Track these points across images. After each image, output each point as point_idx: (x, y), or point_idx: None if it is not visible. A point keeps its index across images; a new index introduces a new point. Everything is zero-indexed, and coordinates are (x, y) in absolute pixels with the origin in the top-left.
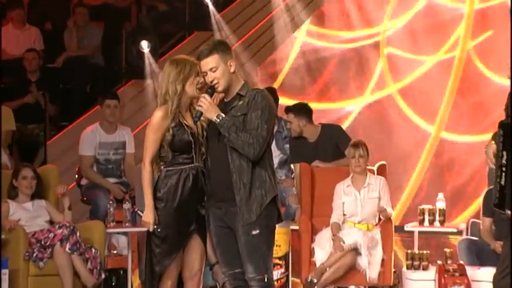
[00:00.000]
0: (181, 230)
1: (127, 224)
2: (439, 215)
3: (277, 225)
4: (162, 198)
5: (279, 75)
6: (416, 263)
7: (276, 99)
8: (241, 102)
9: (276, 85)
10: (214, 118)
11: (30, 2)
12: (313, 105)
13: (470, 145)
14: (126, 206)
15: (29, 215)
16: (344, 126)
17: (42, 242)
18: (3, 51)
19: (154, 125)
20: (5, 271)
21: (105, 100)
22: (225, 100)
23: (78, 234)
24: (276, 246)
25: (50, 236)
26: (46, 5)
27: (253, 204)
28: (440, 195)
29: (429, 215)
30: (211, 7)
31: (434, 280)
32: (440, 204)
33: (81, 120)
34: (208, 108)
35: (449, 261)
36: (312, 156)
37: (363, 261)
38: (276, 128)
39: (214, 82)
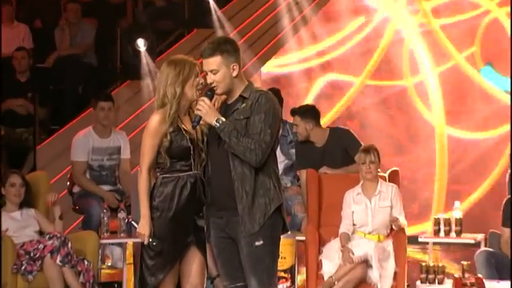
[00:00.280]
0: (177, 242)
1: (122, 235)
2: (456, 225)
3: (282, 236)
4: (158, 207)
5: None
6: (431, 276)
7: (281, 101)
8: (244, 104)
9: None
10: (213, 122)
11: None
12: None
13: None
14: (121, 215)
15: (17, 224)
16: None
17: (31, 254)
18: None
19: (152, 130)
20: None
21: (99, 102)
22: (227, 102)
23: (69, 245)
24: (281, 258)
25: (39, 247)
26: (35, 1)
27: (257, 213)
28: (457, 204)
29: (445, 225)
30: (212, 3)
31: None
32: (457, 213)
33: (73, 123)
34: (208, 111)
35: (466, 275)
36: (319, 162)
37: (374, 274)
38: (280, 131)
39: (213, 85)
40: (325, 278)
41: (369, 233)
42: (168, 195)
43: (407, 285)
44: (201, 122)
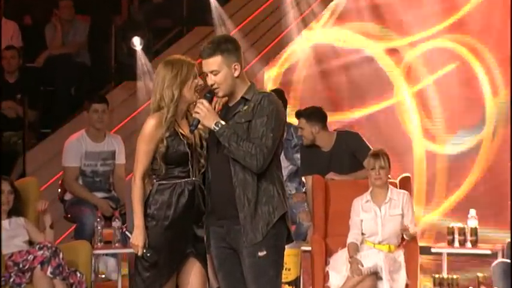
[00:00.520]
0: (174, 252)
1: (116, 245)
2: (471, 235)
3: (286, 246)
4: (153, 215)
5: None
6: None
7: (285, 103)
8: (246, 107)
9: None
10: (212, 126)
11: None
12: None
13: None
14: (116, 224)
15: (5, 234)
16: None
17: (21, 265)
18: None
19: (147, 135)
20: None
21: (92, 104)
22: (229, 105)
23: (61, 256)
24: (285, 269)
25: (29, 258)
26: None
27: (259, 222)
28: (472, 212)
29: (459, 235)
30: None
31: None
32: (472, 222)
33: (65, 127)
34: (206, 115)
35: (482, 287)
36: (326, 168)
37: (384, 286)
38: (284, 135)
39: (214, 86)
40: None
41: (379, 243)
42: (164, 203)
43: None
44: (200, 126)
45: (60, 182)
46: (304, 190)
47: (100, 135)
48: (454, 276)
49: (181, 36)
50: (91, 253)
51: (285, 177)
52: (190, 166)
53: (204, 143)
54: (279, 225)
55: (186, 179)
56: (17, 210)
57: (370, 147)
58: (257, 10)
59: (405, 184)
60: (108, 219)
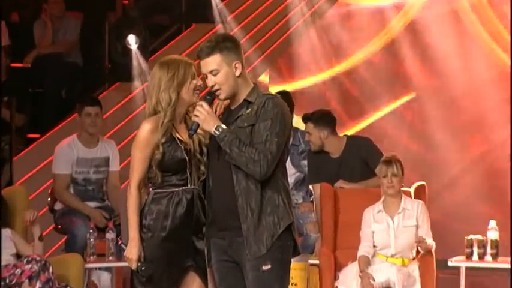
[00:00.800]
0: (172, 266)
1: (110, 258)
2: (491, 247)
3: (292, 259)
4: (149, 226)
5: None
6: None
7: (291, 106)
8: (249, 110)
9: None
10: (212, 130)
11: None
12: None
13: None
14: (110, 235)
15: None
16: None
17: (7, 280)
18: None
19: (142, 141)
20: None
21: (85, 107)
22: (231, 108)
23: (50, 270)
24: (291, 284)
25: (16, 272)
26: None
27: (264, 233)
28: (492, 223)
29: (479, 247)
30: None
31: None
32: (493, 234)
33: (55, 131)
34: (206, 118)
35: None
36: (335, 175)
37: None
38: (291, 140)
39: (215, 88)
40: None
41: (392, 256)
42: (160, 213)
43: None
44: (200, 131)
45: (49, 190)
46: (311, 199)
47: (93, 141)
48: None
49: (180, 34)
50: (83, 267)
51: (291, 186)
52: (188, 173)
53: (204, 149)
54: (284, 237)
55: (184, 187)
56: (3, 221)
57: (382, 153)
58: (261, 6)
59: (420, 193)
60: (101, 231)
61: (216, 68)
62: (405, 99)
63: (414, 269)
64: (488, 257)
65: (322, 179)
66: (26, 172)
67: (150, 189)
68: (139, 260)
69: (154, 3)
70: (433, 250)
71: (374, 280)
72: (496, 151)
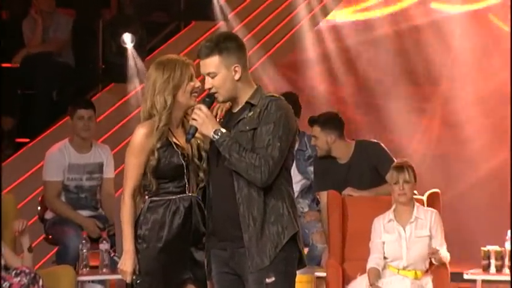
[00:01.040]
0: (169, 279)
1: (104, 270)
2: (510, 259)
3: (298, 272)
4: (144, 237)
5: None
6: None
7: (298, 108)
8: (251, 113)
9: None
10: (211, 134)
11: None
12: None
13: None
14: (103, 246)
15: None
16: None
17: None
18: None
19: (136, 146)
20: None
21: (77, 110)
22: (233, 111)
23: (40, 283)
24: None
25: (4, 285)
26: None
27: (267, 244)
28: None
29: (496, 259)
30: None
31: None
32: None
33: (46, 135)
34: (204, 121)
35: None
36: (343, 182)
37: None
38: (296, 145)
39: (212, 91)
40: None
41: (404, 269)
42: (156, 223)
43: None
44: (199, 135)
45: (40, 198)
46: (318, 208)
47: (86, 146)
48: None
49: (179, 32)
50: (75, 280)
51: (296, 193)
52: (186, 180)
53: (203, 154)
54: (289, 248)
55: (181, 195)
56: None
57: (394, 158)
58: (265, 2)
59: (433, 201)
60: (94, 241)
61: (214, 71)
62: (420, 102)
63: (427, 282)
64: (506, 270)
65: (329, 186)
66: (15, 179)
67: (146, 197)
68: (134, 272)
69: (152, 0)
70: (447, 262)
71: None
72: None
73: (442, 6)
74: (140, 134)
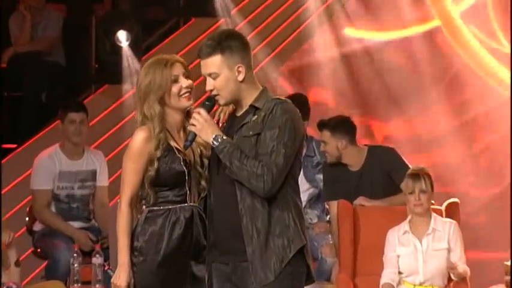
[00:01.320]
0: None
1: (97, 286)
2: None
3: (306, 287)
4: (141, 249)
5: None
6: None
7: (307, 111)
8: (255, 117)
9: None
10: (211, 140)
11: None
12: None
13: None
14: (97, 260)
15: None
16: None
17: None
18: None
19: (135, 151)
20: None
21: (68, 113)
22: (236, 114)
23: None
24: None
25: None
26: None
27: (271, 258)
28: None
29: None
30: None
31: None
32: None
33: (34, 140)
34: (204, 127)
35: None
36: (354, 191)
37: None
38: (304, 151)
39: (214, 93)
40: None
41: (420, 284)
42: (155, 234)
43: None
44: (200, 141)
45: (28, 208)
46: (328, 218)
47: (77, 152)
48: None
49: (177, 30)
50: None
51: (304, 203)
52: (187, 188)
53: (206, 162)
54: (295, 262)
55: (182, 204)
56: None
57: (409, 165)
58: None
59: (452, 211)
60: (87, 255)
61: (215, 71)
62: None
63: None
64: None
65: (339, 195)
66: (1, 188)
67: (144, 206)
68: (129, 287)
69: None
70: (467, 277)
71: None
72: None
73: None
74: (139, 138)
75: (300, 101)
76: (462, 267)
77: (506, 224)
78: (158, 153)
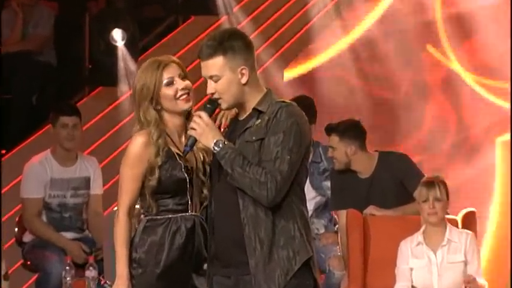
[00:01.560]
0: None
1: None
2: None
3: None
4: (140, 261)
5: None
6: None
7: (313, 114)
8: (259, 121)
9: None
10: (211, 146)
11: None
12: None
13: None
14: (90, 273)
15: None
16: None
17: None
18: None
19: (134, 156)
20: None
21: (60, 117)
22: (239, 118)
23: None
24: None
25: None
26: None
27: (276, 270)
28: None
29: None
30: None
31: None
32: None
33: (24, 146)
34: (204, 131)
35: None
36: (364, 199)
37: None
38: (310, 157)
39: (215, 96)
40: None
41: None
42: (154, 245)
43: None
44: (202, 146)
45: (17, 218)
46: (336, 229)
47: (70, 158)
48: None
49: (176, 28)
50: None
51: (310, 212)
52: (188, 197)
53: (208, 168)
54: (301, 275)
55: (183, 214)
56: None
57: (423, 173)
58: None
59: (469, 221)
60: (80, 267)
61: (217, 74)
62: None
63: None
64: None
65: (348, 204)
66: None
67: (142, 216)
68: None
69: None
70: None
71: None
72: None
73: None
74: (138, 143)
75: (306, 104)
76: (480, 281)
77: None
78: (159, 161)
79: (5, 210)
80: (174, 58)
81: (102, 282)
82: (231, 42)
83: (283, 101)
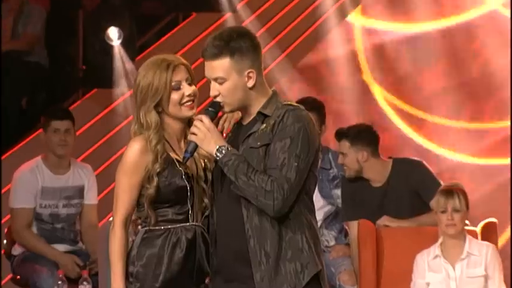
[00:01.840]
0: None
1: None
2: None
3: None
4: (137, 275)
5: None
6: None
7: (322, 118)
8: (264, 125)
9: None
10: (214, 152)
11: None
12: None
13: None
14: None
15: None
16: None
17: None
18: None
19: (130, 164)
20: None
21: (52, 121)
22: (243, 123)
23: None
24: None
25: None
26: None
27: (283, 285)
28: None
29: None
30: None
31: None
32: None
33: (14, 152)
34: (206, 136)
35: None
36: (377, 209)
37: None
38: (319, 164)
39: (218, 99)
40: None
41: None
42: (153, 258)
43: None
44: (203, 152)
45: (6, 230)
46: (346, 241)
47: (63, 165)
48: None
49: (176, 26)
50: None
51: (319, 222)
52: (189, 206)
53: (209, 175)
54: None
55: (183, 224)
56: None
57: (440, 181)
58: None
59: (490, 233)
60: (73, 282)
61: (222, 76)
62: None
63: None
64: None
65: (360, 215)
66: None
67: (139, 226)
68: None
69: None
70: None
71: None
72: None
73: None
74: (134, 150)
75: (315, 107)
76: None
77: None
78: (157, 168)
79: None
80: (183, 60)
81: None
82: (239, 43)
83: (290, 104)
